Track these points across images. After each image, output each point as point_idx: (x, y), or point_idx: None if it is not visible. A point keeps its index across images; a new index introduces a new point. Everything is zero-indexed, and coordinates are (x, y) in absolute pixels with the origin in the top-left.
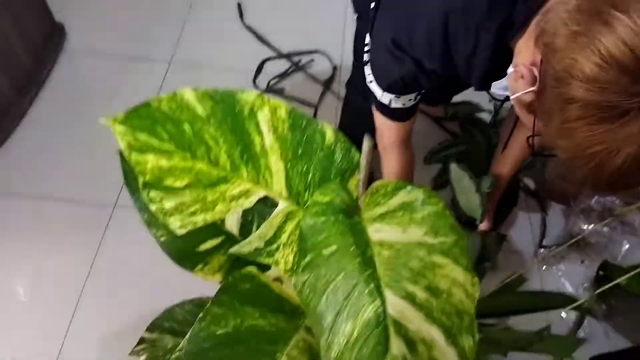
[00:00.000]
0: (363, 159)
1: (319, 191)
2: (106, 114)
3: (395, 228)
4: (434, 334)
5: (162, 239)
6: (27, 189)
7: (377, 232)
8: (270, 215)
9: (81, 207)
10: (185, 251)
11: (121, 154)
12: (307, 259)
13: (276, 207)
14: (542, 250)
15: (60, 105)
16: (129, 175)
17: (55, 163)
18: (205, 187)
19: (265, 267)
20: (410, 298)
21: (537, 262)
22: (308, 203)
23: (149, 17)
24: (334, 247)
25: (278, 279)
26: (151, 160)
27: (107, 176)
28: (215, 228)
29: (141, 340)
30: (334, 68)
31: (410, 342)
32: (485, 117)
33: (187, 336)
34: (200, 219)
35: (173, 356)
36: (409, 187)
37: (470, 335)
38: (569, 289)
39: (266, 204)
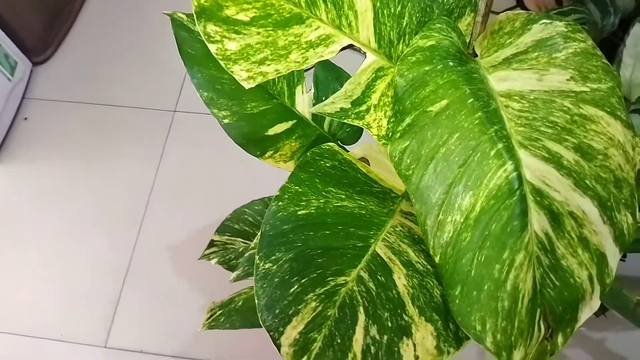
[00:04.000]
0: None
1: (421, 34)
2: (159, 15)
3: (528, 74)
4: (586, 206)
5: (226, 120)
6: (84, 96)
7: (503, 81)
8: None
9: (142, 113)
10: (252, 135)
11: (172, 19)
12: (407, 121)
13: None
14: None
15: (112, 5)
16: (184, 44)
17: (111, 68)
18: (275, 25)
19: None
20: (554, 160)
21: None
22: (405, 51)
23: None
24: (444, 102)
25: (363, 159)
26: None
27: (165, 80)
28: (285, 109)
29: (211, 243)
30: None
31: (555, 216)
32: None
33: (254, 242)
34: (271, 70)
35: (247, 254)
36: (544, 20)
37: (630, 211)
38: None
39: (342, 82)
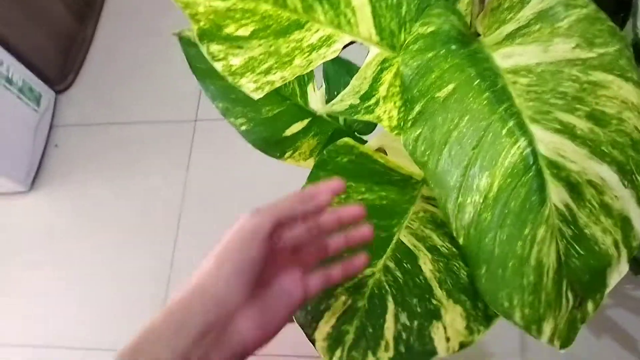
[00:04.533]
0: None
1: (420, 21)
2: (166, 30)
3: (533, 48)
4: (604, 173)
5: (244, 127)
6: (105, 117)
7: (508, 57)
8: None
9: (164, 126)
10: (270, 138)
11: (180, 38)
12: (417, 109)
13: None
14: None
15: (123, 27)
16: (194, 60)
17: (129, 86)
18: (276, 35)
19: (362, 142)
20: (567, 131)
21: None
22: (407, 40)
23: None
24: (450, 87)
25: (380, 150)
26: (202, 2)
27: (183, 90)
28: (299, 109)
29: None
30: None
31: (573, 186)
32: None
33: None
34: (277, 77)
35: None
36: None
37: None
38: None
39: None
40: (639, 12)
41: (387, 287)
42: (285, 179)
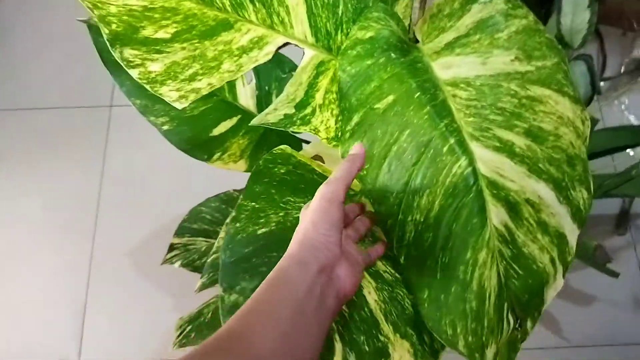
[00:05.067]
0: None
1: (358, 25)
2: (77, 6)
3: (472, 58)
4: (542, 191)
5: (165, 127)
6: (13, 102)
7: (447, 68)
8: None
9: (77, 113)
10: (196, 138)
11: (89, 26)
12: (355, 119)
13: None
14: (602, 83)
15: (25, 2)
16: (106, 51)
17: (37, 69)
18: (201, 37)
19: (297, 147)
20: (506, 149)
21: (597, 97)
22: (344, 45)
23: None
24: (390, 98)
25: (317, 157)
26: (114, 0)
27: (95, 75)
28: (228, 105)
29: (171, 247)
30: None
31: (512, 206)
32: None
33: (220, 234)
34: (204, 85)
35: (209, 259)
36: None
37: (585, 186)
38: (634, 122)
39: (284, 69)
40: (562, 9)
41: (332, 324)
42: (208, 177)
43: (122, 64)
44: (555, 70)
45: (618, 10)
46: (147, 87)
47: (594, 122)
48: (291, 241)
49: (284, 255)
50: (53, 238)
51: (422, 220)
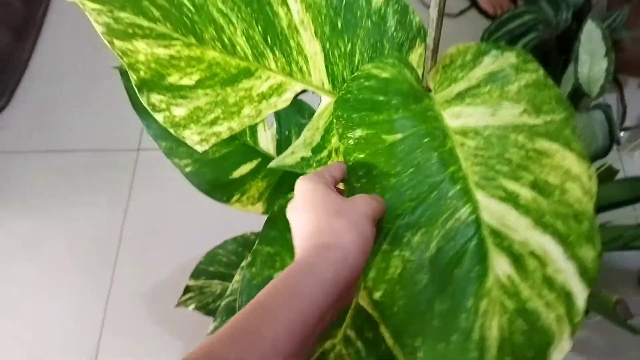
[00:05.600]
0: (433, 19)
1: (372, 64)
2: (112, 54)
3: (482, 109)
4: (547, 244)
5: (188, 169)
6: (43, 144)
7: (457, 117)
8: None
9: (105, 155)
10: (216, 180)
11: (121, 71)
12: (359, 133)
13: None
14: (622, 133)
15: (62, 48)
16: (136, 96)
17: (67, 112)
18: (223, 84)
19: None
20: (511, 199)
21: (617, 147)
22: (355, 74)
23: None
24: (398, 136)
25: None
26: (143, 49)
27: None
28: (249, 149)
29: (187, 289)
30: None
31: (516, 258)
32: None
33: (235, 277)
34: (224, 129)
35: (223, 302)
36: (495, 51)
37: (592, 244)
38: None
39: (304, 114)
40: (580, 58)
41: None
42: (226, 220)
43: (148, 108)
44: (563, 125)
45: (637, 60)
46: (171, 130)
47: (614, 172)
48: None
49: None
50: (72, 275)
51: (412, 259)
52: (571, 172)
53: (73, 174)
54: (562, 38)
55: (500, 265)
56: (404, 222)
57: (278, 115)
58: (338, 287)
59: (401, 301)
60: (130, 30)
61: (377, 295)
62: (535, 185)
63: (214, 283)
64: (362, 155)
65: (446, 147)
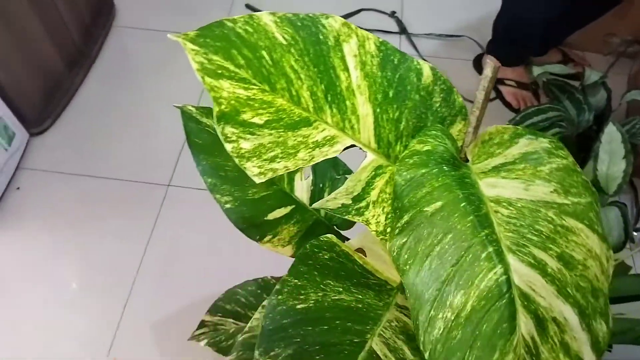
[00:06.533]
0: (479, 100)
1: (417, 138)
2: (155, 94)
3: (516, 183)
4: (567, 313)
5: (228, 205)
6: (77, 168)
7: (493, 187)
8: (343, 181)
9: (135, 186)
10: (253, 219)
11: (182, 112)
12: (406, 218)
13: (349, 174)
14: (635, 233)
15: (111, 83)
16: (192, 134)
17: (107, 141)
18: (286, 128)
19: (343, 239)
20: (540, 267)
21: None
22: (404, 153)
23: None
24: (439, 204)
25: (360, 250)
26: (227, 88)
27: (160, 154)
28: (285, 195)
29: (202, 324)
30: None
31: (540, 321)
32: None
33: (255, 315)
34: (281, 166)
35: (240, 337)
36: (530, 135)
37: (604, 320)
38: None
39: (338, 170)
40: (599, 156)
41: None
42: (247, 261)
43: (221, 137)
44: (588, 208)
45: None
46: (236, 160)
47: (627, 268)
48: None
49: None
50: (86, 301)
51: (452, 318)
52: (593, 251)
53: (101, 200)
54: (582, 137)
55: (526, 326)
56: (447, 287)
57: (315, 168)
58: None
59: (440, 357)
60: (219, 71)
61: (427, 355)
62: (561, 258)
63: (228, 321)
64: (405, 239)
65: (481, 212)
